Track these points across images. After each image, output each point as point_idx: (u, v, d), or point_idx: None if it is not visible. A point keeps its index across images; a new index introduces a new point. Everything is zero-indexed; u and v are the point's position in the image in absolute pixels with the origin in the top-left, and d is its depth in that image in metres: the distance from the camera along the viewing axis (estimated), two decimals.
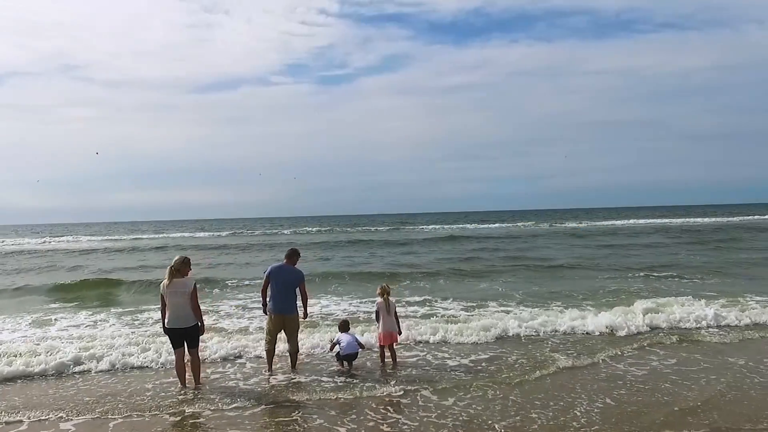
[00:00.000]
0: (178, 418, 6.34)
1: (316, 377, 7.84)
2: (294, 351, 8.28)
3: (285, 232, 62.55)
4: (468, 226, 65.49)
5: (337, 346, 8.38)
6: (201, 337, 7.63)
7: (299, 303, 8.26)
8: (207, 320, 9.78)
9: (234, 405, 6.69)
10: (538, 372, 7.80)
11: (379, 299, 8.47)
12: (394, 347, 8.49)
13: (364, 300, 14.41)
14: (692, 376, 7.51)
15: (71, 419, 6.35)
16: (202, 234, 62.12)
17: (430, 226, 65.09)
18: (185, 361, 7.48)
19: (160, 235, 61.08)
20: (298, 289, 8.13)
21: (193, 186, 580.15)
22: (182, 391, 7.31)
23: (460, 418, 6.07)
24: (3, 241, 54.06)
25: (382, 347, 8.40)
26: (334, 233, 55.82)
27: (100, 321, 12.47)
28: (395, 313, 8.45)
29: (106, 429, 6.06)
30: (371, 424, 6.02)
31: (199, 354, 7.72)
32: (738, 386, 7.07)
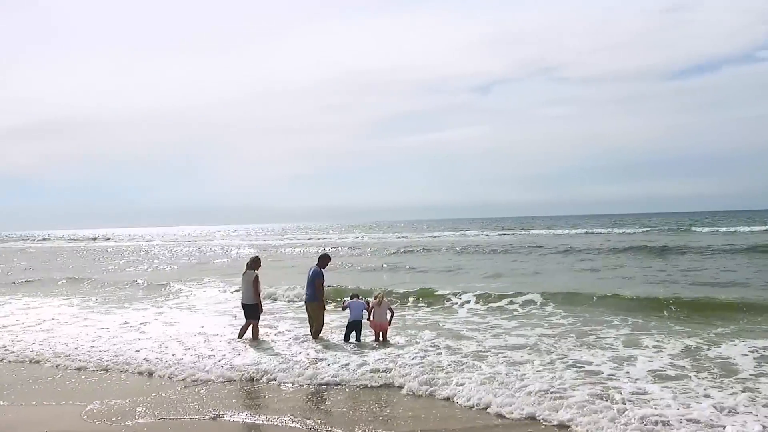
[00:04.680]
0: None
1: (331, 348, 10.26)
2: (317, 330, 11.07)
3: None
4: None
5: (347, 309, 10.92)
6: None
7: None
8: None
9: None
10: None
11: (373, 300, 11.00)
12: (387, 333, 10.78)
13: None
14: None
15: None
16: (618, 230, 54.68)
17: None
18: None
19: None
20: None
21: (670, 176, 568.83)
22: (237, 341, 10.91)
23: None
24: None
25: (375, 333, 10.86)
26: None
27: None
28: (389, 309, 10.90)
29: None
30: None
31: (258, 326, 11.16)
32: None
